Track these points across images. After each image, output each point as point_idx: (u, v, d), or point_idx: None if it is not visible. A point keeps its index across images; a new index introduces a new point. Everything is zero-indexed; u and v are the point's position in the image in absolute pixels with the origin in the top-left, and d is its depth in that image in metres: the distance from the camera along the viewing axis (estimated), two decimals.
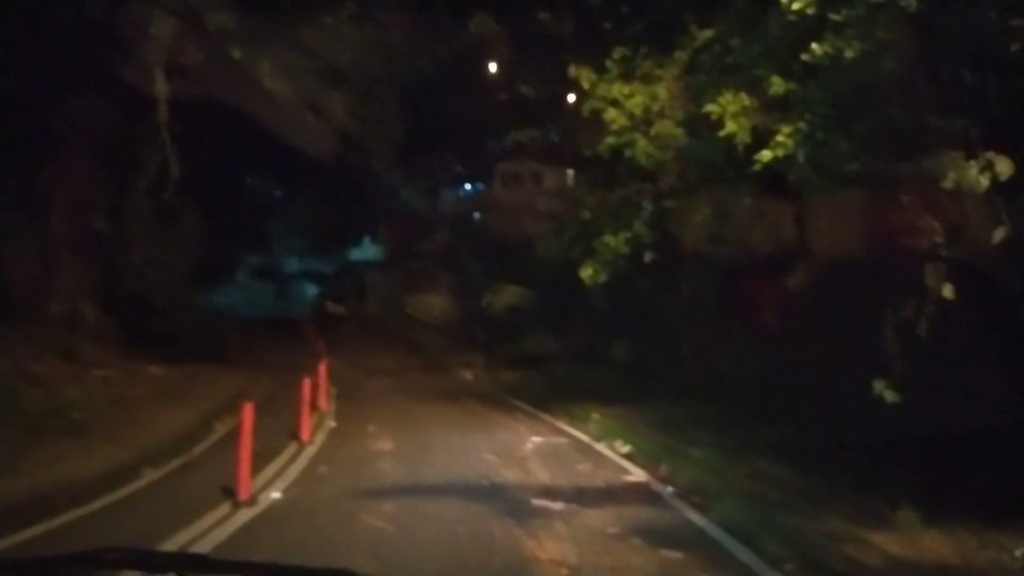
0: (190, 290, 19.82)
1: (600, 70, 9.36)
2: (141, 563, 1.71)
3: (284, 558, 4.38)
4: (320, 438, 9.23)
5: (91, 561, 1.72)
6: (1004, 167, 3.50)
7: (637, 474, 7.28)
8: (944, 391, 4.61)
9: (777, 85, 5.12)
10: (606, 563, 4.64)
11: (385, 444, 8.83)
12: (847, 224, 5.15)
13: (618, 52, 9.51)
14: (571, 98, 17.26)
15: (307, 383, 9.28)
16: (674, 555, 4.76)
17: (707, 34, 8.37)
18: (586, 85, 9.15)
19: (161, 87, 11.78)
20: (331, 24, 15.05)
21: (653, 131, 8.66)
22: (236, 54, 11.91)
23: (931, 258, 4.00)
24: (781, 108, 5.29)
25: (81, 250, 15.83)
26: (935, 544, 4.10)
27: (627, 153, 9.00)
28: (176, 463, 8.01)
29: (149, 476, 7.33)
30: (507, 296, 19.18)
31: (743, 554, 4.71)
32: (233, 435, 9.85)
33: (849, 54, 4.17)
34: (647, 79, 9.13)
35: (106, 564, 1.72)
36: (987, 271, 3.91)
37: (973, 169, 3.48)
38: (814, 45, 4.40)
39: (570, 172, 26.03)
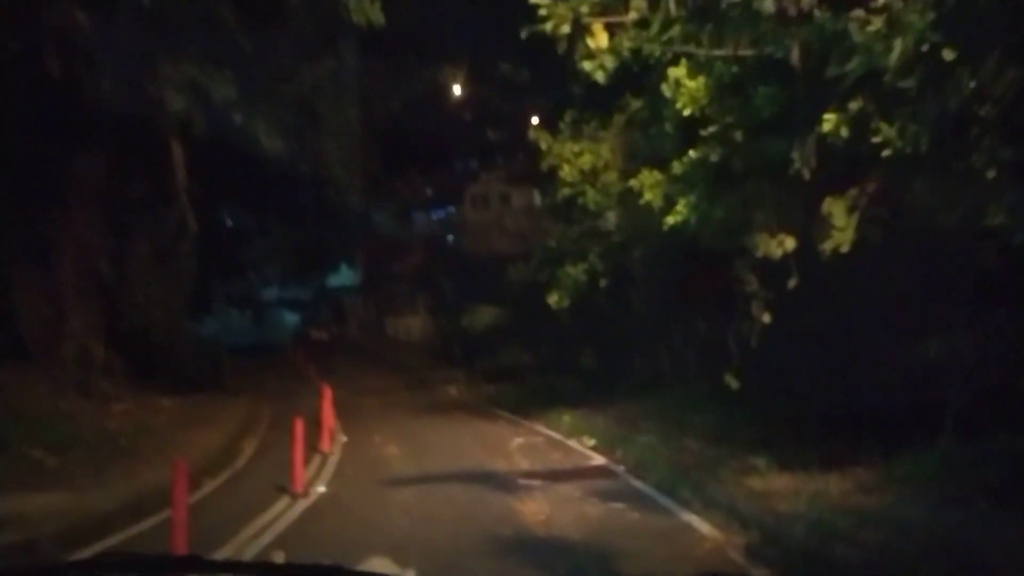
0: (186, 324, 21.76)
1: (555, 116, 11.67)
2: (137, 566, 1.77)
3: (341, 532, 6.61)
4: (337, 448, 11.36)
5: (90, 567, 1.79)
6: (789, 243, 5.82)
7: (598, 459, 9.56)
8: (772, 381, 6.94)
9: (676, 166, 7.43)
10: (570, 513, 6.87)
11: (393, 449, 11.00)
12: (712, 270, 7.47)
13: (569, 115, 11.90)
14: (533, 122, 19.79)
15: (327, 401, 11.41)
16: (618, 505, 7.03)
17: (638, 103, 10.72)
18: (544, 146, 11.49)
19: (177, 153, 13.85)
20: (312, 79, 17.23)
21: (599, 182, 10.98)
22: (238, 119, 14.01)
23: (755, 297, 6.30)
24: (684, 181, 7.58)
25: (88, 293, 17.66)
26: (780, 480, 6.43)
27: (579, 200, 11.32)
28: (227, 474, 10.07)
29: (210, 484, 9.38)
30: (484, 316, 21.44)
31: (665, 501, 7.00)
32: (261, 451, 12.03)
33: (713, 158, 6.47)
34: (593, 138, 11.48)
35: (104, 569, 1.79)
36: (789, 306, 6.20)
37: (773, 244, 5.79)
38: (691, 151, 6.71)
39: (536, 191, 28.38)
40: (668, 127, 7.32)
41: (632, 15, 5.51)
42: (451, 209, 34.43)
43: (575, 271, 12.09)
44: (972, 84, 4.00)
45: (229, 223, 32.13)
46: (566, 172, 11.34)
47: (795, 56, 4.47)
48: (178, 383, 17.77)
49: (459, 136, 30.02)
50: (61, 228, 17.03)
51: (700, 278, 9.56)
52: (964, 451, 5.96)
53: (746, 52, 4.91)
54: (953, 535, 4.70)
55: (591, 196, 11.11)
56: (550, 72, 16.22)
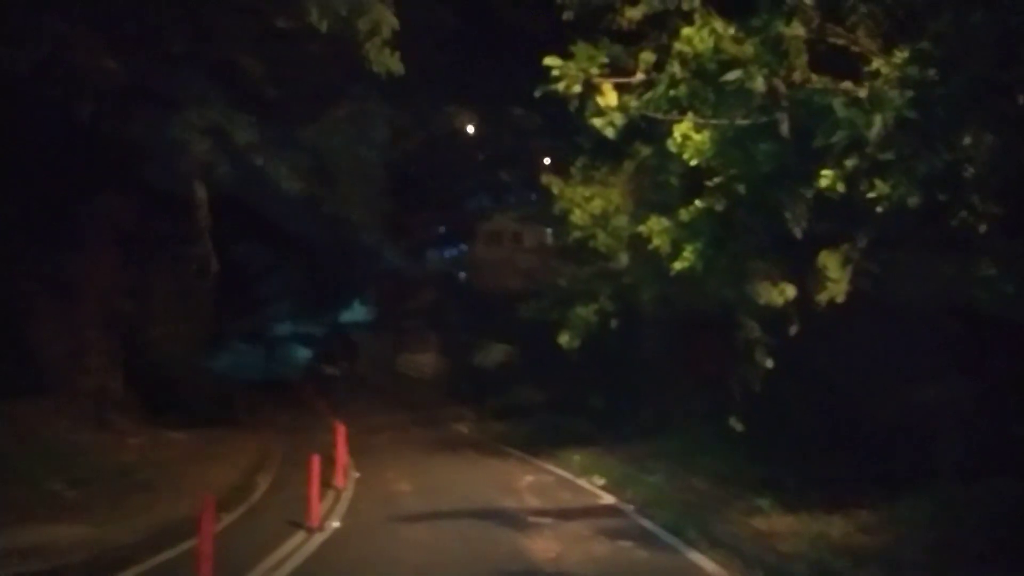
0: (202, 359, 22.14)
1: (567, 158, 12.06)
2: None
3: (356, 566, 6.80)
4: (350, 484, 11.57)
5: None
6: (790, 292, 6.10)
7: (607, 499, 9.74)
8: (776, 424, 7.17)
9: (683, 214, 7.75)
10: (578, 551, 7.07)
11: (404, 486, 11.21)
12: (719, 315, 7.76)
13: (580, 161, 12.29)
14: (545, 162, 20.31)
15: (341, 437, 11.65)
16: (626, 544, 7.22)
17: (647, 150, 11.08)
18: (556, 191, 11.87)
19: (201, 195, 14.33)
20: (330, 124, 17.77)
21: (609, 227, 11.31)
22: (258, 161, 14.50)
23: (757, 343, 6.56)
24: (690, 228, 7.88)
25: (108, 330, 18.05)
26: (783, 521, 6.61)
27: (591, 243, 11.65)
28: (243, 508, 10.30)
29: (227, 519, 9.60)
30: (495, 354, 21.69)
31: (671, 540, 7.19)
32: (275, 486, 12.26)
33: (718, 207, 6.79)
34: (603, 183, 11.85)
35: None
36: (791, 351, 6.46)
37: (775, 292, 6.06)
38: (697, 201, 7.05)
39: (548, 230, 28.79)
40: (674, 180, 7.65)
41: (640, 76, 5.88)
42: (463, 247, 34.86)
43: (585, 312, 12.36)
44: (947, 157, 4.31)
45: (243, 259, 32.80)
46: (577, 216, 11.69)
47: (784, 128, 4.79)
48: (191, 418, 18.09)
49: (472, 175, 30.57)
50: (82, 266, 17.50)
51: (707, 322, 9.85)
52: (961, 494, 6.15)
53: (742, 122, 5.25)
54: (946, 574, 4.89)
55: (601, 239, 11.44)
56: (561, 117, 16.80)
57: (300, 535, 8.20)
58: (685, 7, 6.13)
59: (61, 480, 10.89)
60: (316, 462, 9.00)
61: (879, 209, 5.24)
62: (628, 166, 11.56)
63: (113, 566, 6.97)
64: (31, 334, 17.09)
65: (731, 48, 5.02)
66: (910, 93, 4.28)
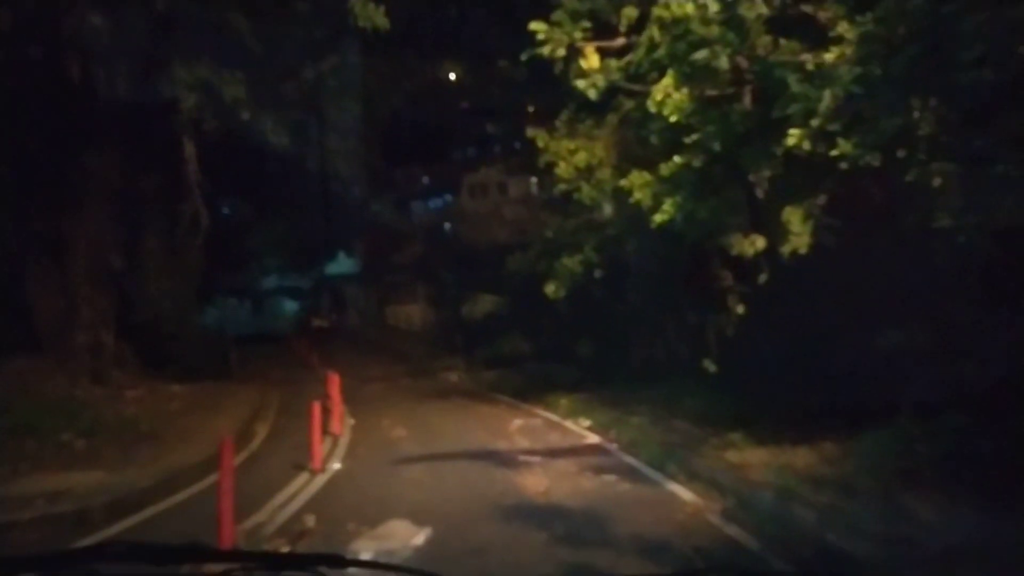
0: (193, 314, 22.55)
1: (551, 110, 12.41)
2: (140, 555, 1.82)
3: (360, 501, 7.43)
4: (346, 431, 12.15)
5: (93, 555, 1.83)
6: (760, 243, 6.59)
7: (593, 439, 10.37)
8: (750, 367, 7.77)
9: (663, 169, 8.18)
10: (567, 485, 7.68)
11: (400, 432, 11.80)
12: (698, 265, 8.26)
13: (564, 114, 12.62)
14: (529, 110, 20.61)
15: (335, 385, 12.19)
16: (610, 478, 7.84)
17: (631, 103, 11.44)
18: (541, 144, 12.21)
19: (190, 151, 14.57)
20: (315, 77, 17.91)
21: (593, 179, 11.72)
22: (245, 116, 14.72)
23: (730, 291, 7.08)
24: (670, 183, 8.33)
25: (100, 286, 18.35)
26: (755, 454, 7.23)
27: (575, 195, 12.06)
28: (245, 454, 10.86)
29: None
30: (483, 305, 22.22)
31: (653, 474, 7.81)
32: (274, 434, 12.84)
33: (696, 164, 7.22)
34: (588, 136, 12.20)
35: (107, 558, 1.82)
36: (762, 299, 6.98)
37: (746, 243, 6.55)
38: (676, 157, 7.47)
39: (533, 180, 29.09)
40: (654, 138, 8.05)
41: (621, 40, 6.26)
42: (449, 198, 35.12)
43: (571, 262, 12.83)
44: (899, 122, 4.76)
45: (230, 213, 32.91)
46: (562, 169, 12.05)
47: (747, 101, 5.22)
48: (186, 372, 18.57)
49: (456, 126, 30.63)
50: (74, 223, 17.72)
51: (687, 272, 10.38)
52: (917, 429, 6.75)
53: (711, 92, 5.67)
54: (895, 498, 5.51)
55: (586, 191, 11.83)
56: (546, 70, 17.04)
57: (304, 476, 8.78)
58: None
59: (69, 431, 11.38)
60: (317, 408, 9.53)
61: (843, 166, 5.71)
62: (611, 119, 11.91)
63: (134, 506, 7.53)
64: (24, 292, 17.44)
65: (699, 29, 5.41)
66: (858, 70, 4.71)
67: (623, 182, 8.79)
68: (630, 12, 6.98)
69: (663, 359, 12.43)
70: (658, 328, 13.05)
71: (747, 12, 5.11)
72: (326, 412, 12.03)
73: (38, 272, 17.64)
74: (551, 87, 15.04)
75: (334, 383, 13.82)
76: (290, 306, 38.03)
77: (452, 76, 25.68)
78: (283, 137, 15.92)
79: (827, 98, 4.80)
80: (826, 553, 4.77)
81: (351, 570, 1.91)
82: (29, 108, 14.74)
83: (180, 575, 1.91)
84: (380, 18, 12.26)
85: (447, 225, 33.54)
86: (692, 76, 5.70)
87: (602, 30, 6.48)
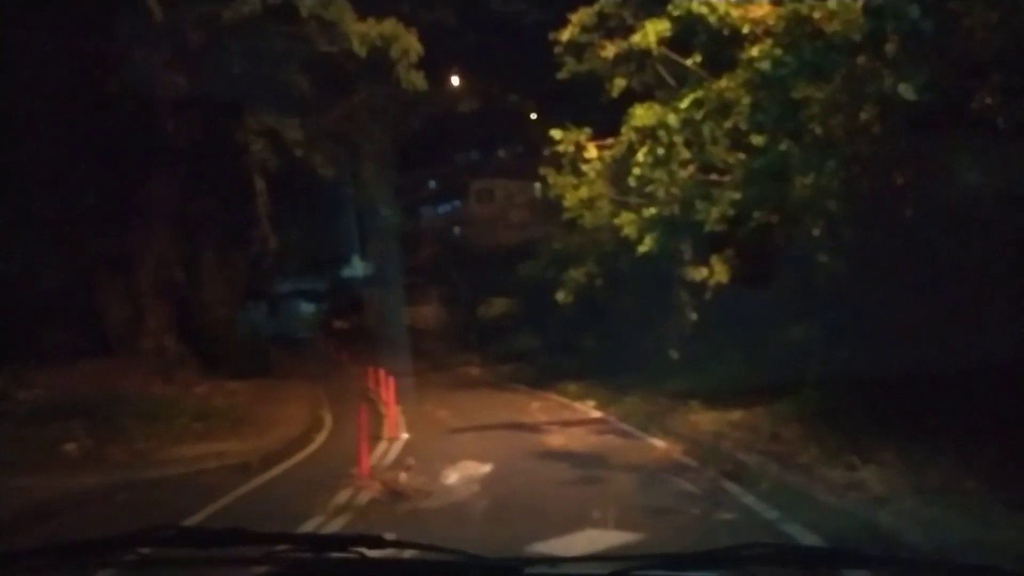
0: (239, 319, 26.36)
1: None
2: (185, 539, 2.03)
3: (435, 454, 11.18)
4: (399, 414, 15.91)
5: (140, 540, 1.99)
6: (704, 272, 10.34)
7: (596, 414, 14.20)
8: (702, 354, 11.66)
9: (644, 213, 11.93)
10: (578, 441, 11.48)
11: (443, 413, 15.59)
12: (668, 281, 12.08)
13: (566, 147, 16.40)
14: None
15: (383, 376, 15.97)
16: (609, 436, 11.67)
17: (623, 147, 15.20)
18: (550, 180, 15.96)
19: (260, 186, 18.30)
20: (350, 110, 21.64)
21: (594, 209, 15.47)
22: (298, 153, 18.45)
23: (686, 304, 10.82)
24: (649, 223, 12.09)
25: (163, 296, 22.08)
26: (707, 415, 11.03)
27: (579, 222, 15.83)
28: (325, 432, 14.63)
29: (318, 440, 13.91)
30: (496, 307, 26.06)
31: (639, 433, 11.66)
32: (338, 418, 16.58)
33: (666, 213, 10.97)
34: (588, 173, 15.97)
35: (154, 542, 2.00)
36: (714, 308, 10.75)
37: (695, 272, 10.29)
38: (652, 208, 11.24)
39: (536, 185, 32.74)
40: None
41: (610, 140, 10.03)
42: (457, 204, 38.77)
43: (576, 273, 16.59)
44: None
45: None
46: (568, 199, 15.79)
47: (676, 209, 9.02)
48: (235, 370, 22.31)
49: (460, 129, 34.07)
50: (141, 241, 21.49)
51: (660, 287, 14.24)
52: (816, 396, 10.52)
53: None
54: (782, 435, 9.29)
55: (588, 219, 15.58)
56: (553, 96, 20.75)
57: (384, 443, 12.53)
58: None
59: (183, 418, 15.09)
60: (392, 388, 13.31)
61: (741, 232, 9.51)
62: (606, 157, 15.65)
63: (275, 461, 11.30)
64: (96, 303, 21.26)
65: (662, 138, 9.18)
66: (737, 195, 8.48)
67: (616, 220, 12.55)
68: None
69: (653, 351, 16.20)
70: (647, 326, 16.84)
71: (674, 161, 8.87)
72: (370, 402, 15.74)
73: (107, 284, 21.48)
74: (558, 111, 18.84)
75: (380, 374, 17.56)
76: (306, 308, 41.80)
77: (455, 80, 29.45)
78: (329, 169, 19.65)
79: (715, 213, 8.55)
80: (733, 462, 8.56)
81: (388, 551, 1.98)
82: (106, 142, 18.45)
83: (224, 558, 1.99)
84: (420, 81, 16.00)
85: (456, 229, 37.20)
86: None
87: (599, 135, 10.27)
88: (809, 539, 5.63)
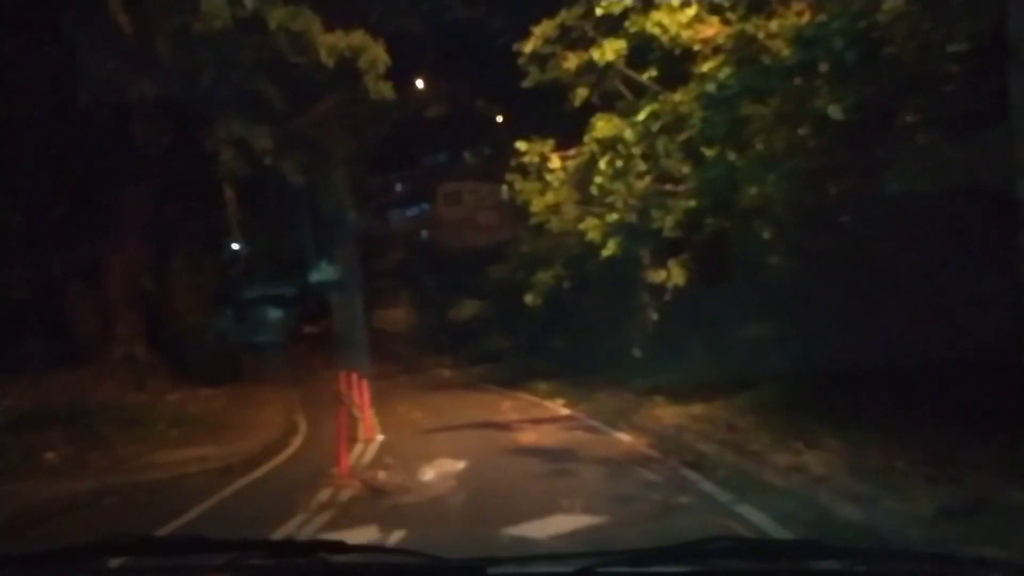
0: (209, 327, 26.59)
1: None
2: (147, 548, 2.04)
3: (411, 453, 11.74)
4: (373, 416, 16.39)
5: (102, 550, 1.99)
6: (663, 276, 10.99)
7: (566, 412, 14.83)
8: (664, 353, 12.45)
9: (608, 218, 12.58)
10: (549, 437, 12.08)
11: (417, 414, 16.11)
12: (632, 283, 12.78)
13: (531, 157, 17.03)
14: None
15: (356, 379, 16.44)
16: (579, 432, 12.29)
17: (585, 157, 15.86)
18: (517, 186, 16.56)
19: (230, 195, 18.66)
20: (318, 118, 22.06)
21: (561, 212, 16.11)
22: (268, 161, 18.85)
23: (647, 305, 11.49)
24: (612, 228, 12.74)
25: (133, 305, 22.31)
26: (670, 410, 11.71)
27: (546, 226, 16.45)
28: (301, 436, 15.08)
29: (295, 443, 14.36)
30: (467, 309, 26.60)
31: (606, 428, 12.30)
32: (313, 421, 17.02)
33: (627, 219, 11.62)
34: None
35: (116, 551, 2.00)
36: (672, 309, 11.43)
37: (655, 275, 10.93)
38: (614, 214, 11.88)
39: (504, 188, 33.27)
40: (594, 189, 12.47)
41: (573, 151, 10.66)
42: (424, 207, 39.21)
43: (545, 276, 17.26)
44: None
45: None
46: (535, 205, 16.40)
47: (634, 217, 9.69)
48: (207, 377, 22.57)
49: (427, 132, 34.51)
50: (110, 250, 21.71)
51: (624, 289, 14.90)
52: (771, 390, 11.26)
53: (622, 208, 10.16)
54: (738, 426, 9.98)
55: (555, 223, 16.20)
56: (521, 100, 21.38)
57: (360, 444, 13.03)
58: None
59: (161, 424, 15.45)
60: (367, 391, 13.81)
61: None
62: (569, 165, 16.30)
63: (257, 463, 11.75)
64: (66, 312, 21.47)
65: (621, 151, 9.83)
66: (692, 202, 9.17)
67: (581, 225, 13.19)
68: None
69: (619, 350, 16.90)
70: (613, 327, 17.53)
71: (631, 173, 9.53)
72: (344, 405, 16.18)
73: (77, 294, 21.68)
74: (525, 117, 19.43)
75: (354, 377, 17.97)
76: (274, 314, 41.86)
77: (419, 83, 29.97)
78: (299, 177, 20.06)
79: (669, 221, 9.23)
80: (693, 452, 9.22)
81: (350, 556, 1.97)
82: (76, 151, 18.71)
83: (187, 566, 1.98)
84: (388, 91, 16.52)
85: (424, 232, 37.64)
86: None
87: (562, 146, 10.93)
88: (757, 517, 6.29)
